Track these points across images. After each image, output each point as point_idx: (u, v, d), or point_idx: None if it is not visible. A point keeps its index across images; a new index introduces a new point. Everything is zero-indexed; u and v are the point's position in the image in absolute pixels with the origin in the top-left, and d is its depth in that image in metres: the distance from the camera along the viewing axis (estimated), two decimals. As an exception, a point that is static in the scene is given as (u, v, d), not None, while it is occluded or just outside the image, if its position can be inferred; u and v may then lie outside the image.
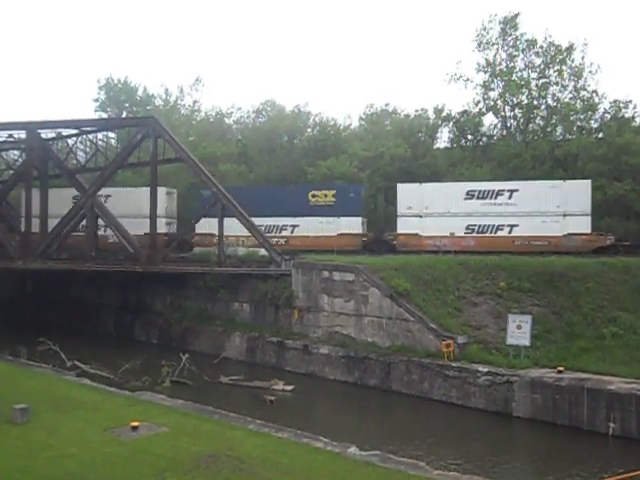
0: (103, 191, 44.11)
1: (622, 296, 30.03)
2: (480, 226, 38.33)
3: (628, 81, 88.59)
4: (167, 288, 40.83)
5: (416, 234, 39.01)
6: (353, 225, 40.96)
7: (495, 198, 38.22)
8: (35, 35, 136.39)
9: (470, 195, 38.53)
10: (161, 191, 42.85)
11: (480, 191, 38.48)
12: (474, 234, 38.36)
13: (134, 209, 43.35)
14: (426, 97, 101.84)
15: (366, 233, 42.04)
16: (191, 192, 48.26)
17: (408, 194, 39.60)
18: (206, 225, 41.02)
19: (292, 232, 42.48)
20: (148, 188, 40.60)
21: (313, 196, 42.08)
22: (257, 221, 38.87)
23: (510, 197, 38.03)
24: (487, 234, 38.15)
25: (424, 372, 26.68)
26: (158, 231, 40.25)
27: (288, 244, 41.45)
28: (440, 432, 22.95)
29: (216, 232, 37.85)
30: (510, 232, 37.88)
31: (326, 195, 41.81)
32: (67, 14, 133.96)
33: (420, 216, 39.21)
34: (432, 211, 39.01)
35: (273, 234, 41.88)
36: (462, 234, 38.38)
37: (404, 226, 39.50)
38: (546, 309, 29.91)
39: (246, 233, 38.30)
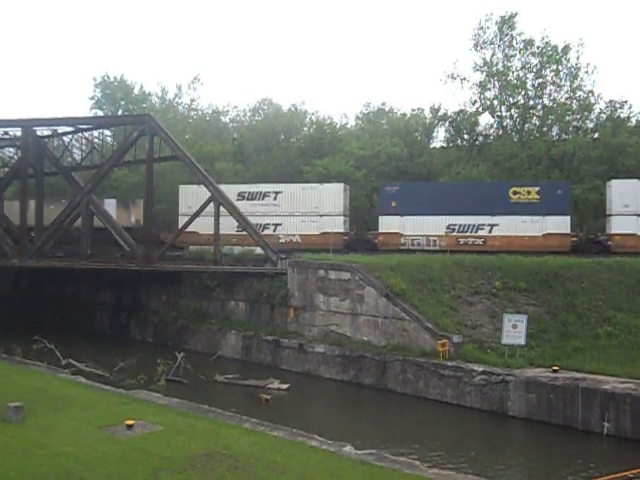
0: (272, 187, 41.87)
1: (617, 296, 30.16)
2: None
3: (624, 81, 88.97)
4: (163, 286, 40.75)
5: (634, 234, 36.23)
6: (560, 224, 37.77)
7: None
8: (31, 32, 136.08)
9: None
10: (338, 188, 41.33)
11: None
12: None
13: (308, 207, 41.11)
14: (422, 96, 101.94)
15: (576, 233, 39.06)
16: (373, 187, 46.38)
17: (623, 191, 36.71)
18: (392, 223, 39.64)
19: (490, 232, 39.21)
20: (331, 184, 39.89)
21: (514, 193, 38.87)
22: (447, 220, 38.62)
23: None
24: None
25: (419, 371, 26.72)
26: (336, 230, 39.53)
27: (486, 244, 38.71)
28: (435, 431, 22.96)
29: (402, 231, 37.60)
30: None
31: (529, 192, 38.66)
32: (64, 11, 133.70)
33: (639, 215, 36.29)
34: None
35: (468, 233, 39.31)
36: None
37: (620, 226, 36.44)
38: (541, 309, 29.99)
39: (422, 232, 38.50)
